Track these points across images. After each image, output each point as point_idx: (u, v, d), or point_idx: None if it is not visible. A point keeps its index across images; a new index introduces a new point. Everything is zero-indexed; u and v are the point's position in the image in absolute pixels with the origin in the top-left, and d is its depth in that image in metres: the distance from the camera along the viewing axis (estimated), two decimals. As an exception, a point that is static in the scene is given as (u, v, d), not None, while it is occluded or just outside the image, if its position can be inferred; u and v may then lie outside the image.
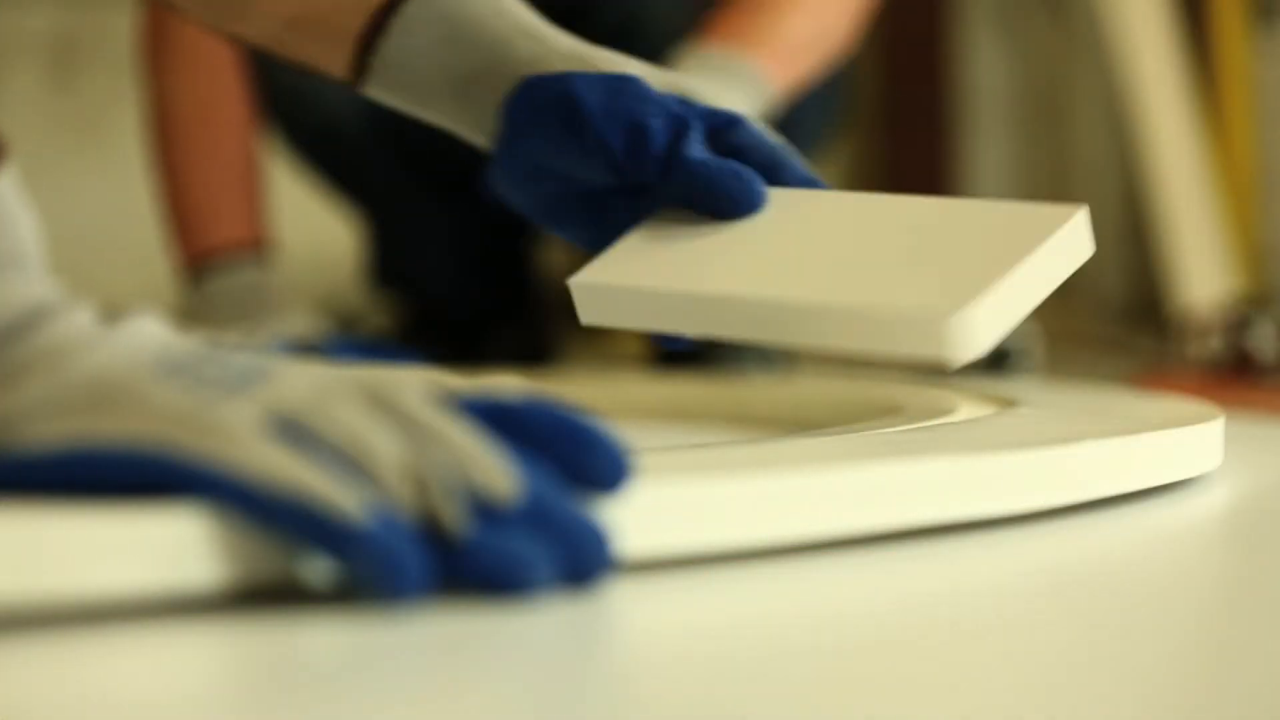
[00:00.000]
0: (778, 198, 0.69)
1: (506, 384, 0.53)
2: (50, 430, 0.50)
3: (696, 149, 0.69)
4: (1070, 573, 0.61)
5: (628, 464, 0.52)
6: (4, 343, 0.51)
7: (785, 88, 1.41)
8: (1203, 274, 2.26)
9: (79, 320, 0.53)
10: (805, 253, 0.66)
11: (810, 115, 1.59)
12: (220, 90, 1.58)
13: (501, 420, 0.52)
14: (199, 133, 1.58)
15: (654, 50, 1.51)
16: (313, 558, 0.49)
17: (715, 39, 1.39)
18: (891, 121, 2.56)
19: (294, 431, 0.49)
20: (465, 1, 0.73)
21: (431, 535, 0.49)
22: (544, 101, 0.71)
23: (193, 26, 1.58)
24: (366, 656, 0.45)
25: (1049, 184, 2.69)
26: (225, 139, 1.58)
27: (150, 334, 0.53)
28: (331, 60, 0.75)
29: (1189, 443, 0.74)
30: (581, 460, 0.52)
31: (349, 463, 0.49)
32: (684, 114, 0.70)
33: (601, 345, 2.01)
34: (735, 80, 1.38)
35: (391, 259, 1.76)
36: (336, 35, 0.75)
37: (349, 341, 1.49)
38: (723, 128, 0.71)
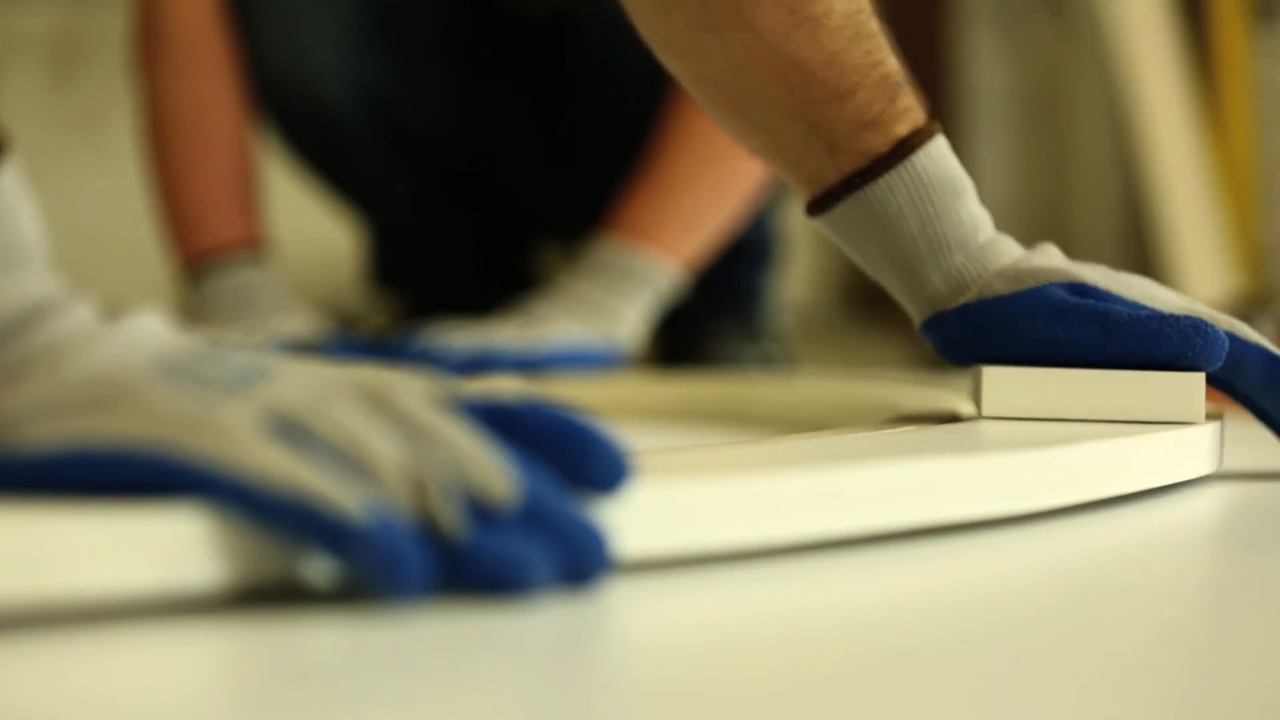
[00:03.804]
0: None
1: (505, 385, 0.53)
2: (50, 430, 0.50)
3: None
4: (1069, 574, 0.61)
5: (627, 466, 0.52)
6: (4, 340, 0.51)
7: (692, 259, 1.53)
8: (1203, 274, 2.26)
9: (79, 317, 0.53)
10: None
11: (749, 262, 1.68)
12: (215, 90, 1.58)
13: (500, 422, 0.52)
14: (194, 133, 1.58)
15: (629, 83, 1.55)
16: (313, 557, 0.49)
17: (614, 234, 1.48)
18: (891, 121, 2.55)
19: (293, 431, 0.49)
20: (895, 221, 0.80)
21: (431, 536, 0.49)
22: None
23: (186, 26, 1.57)
24: (366, 656, 0.45)
25: (1049, 184, 2.69)
26: (221, 139, 1.58)
27: (151, 332, 0.53)
28: (797, 189, 0.83)
29: (1189, 443, 0.74)
30: (580, 462, 0.52)
31: (348, 463, 0.49)
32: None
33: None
34: (633, 281, 1.51)
35: (391, 258, 1.76)
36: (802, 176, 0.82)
37: (349, 341, 1.49)
38: None
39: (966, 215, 0.80)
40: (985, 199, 0.82)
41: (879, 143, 0.80)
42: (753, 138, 0.83)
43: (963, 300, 0.79)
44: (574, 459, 0.51)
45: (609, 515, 0.52)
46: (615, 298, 1.49)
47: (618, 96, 1.61)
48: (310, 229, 2.05)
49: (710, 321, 1.68)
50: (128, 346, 0.52)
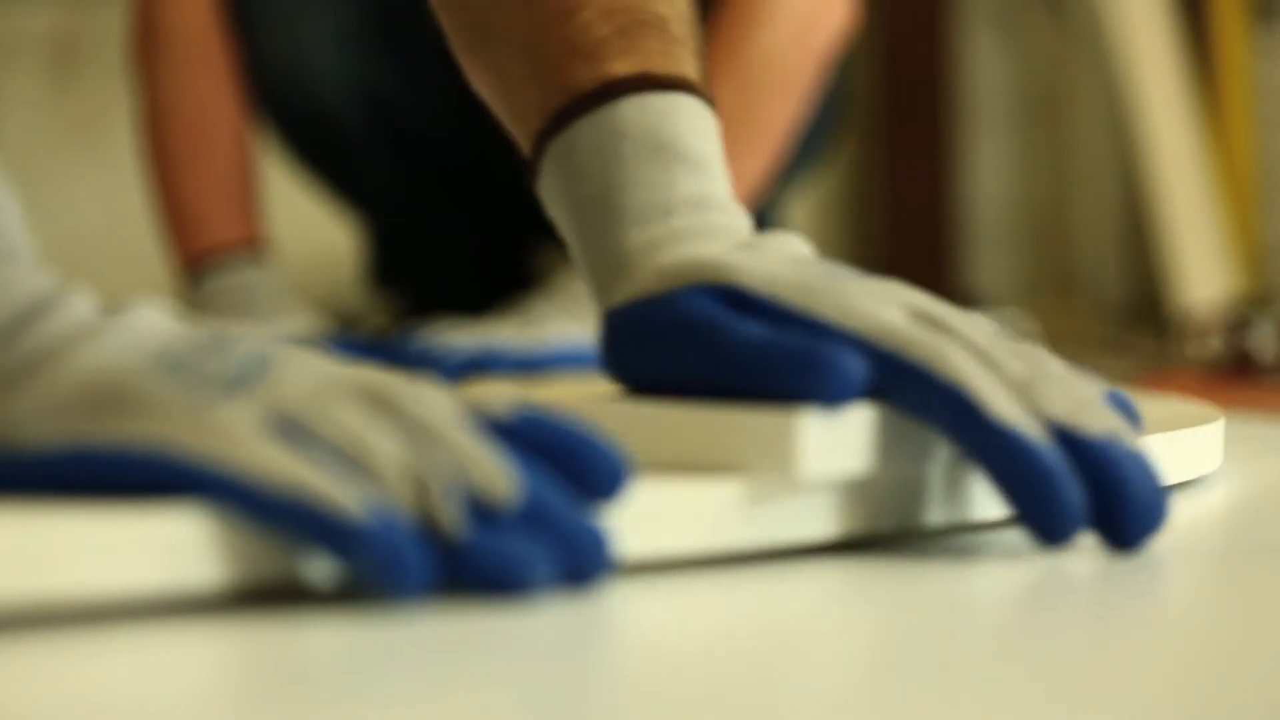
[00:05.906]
0: None
1: (499, 393, 0.53)
2: (51, 430, 0.50)
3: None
4: (1069, 575, 0.61)
5: (627, 469, 0.52)
6: (4, 339, 0.51)
7: (757, 188, 1.51)
8: (1203, 274, 2.26)
9: (79, 311, 0.52)
10: None
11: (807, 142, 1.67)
12: (214, 90, 1.58)
13: (498, 430, 0.52)
14: (193, 133, 1.58)
15: None
16: (313, 557, 0.49)
17: None
18: (891, 122, 2.56)
19: (294, 431, 0.49)
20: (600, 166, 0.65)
21: (431, 535, 0.49)
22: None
23: (185, 26, 1.57)
24: (366, 656, 0.45)
25: (1049, 184, 2.69)
26: (219, 138, 1.58)
27: (152, 326, 0.52)
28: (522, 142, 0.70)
29: (1189, 444, 0.74)
30: (580, 466, 0.51)
31: (349, 462, 0.49)
32: None
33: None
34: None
35: (391, 258, 1.76)
36: (522, 128, 0.70)
37: (349, 341, 1.49)
38: None
39: (667, 185, 0.65)
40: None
41: (585, 76, 0.65)
42: (487, 80, 0.71)
43: (611, 300, 0.64)
44: (574, 464, 0.51)
45: (609, 515, 0.52)
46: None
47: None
48: (310, 229, 2.05)
49: (710, 321, 1.68)
50: (128, 342, 0.51)
